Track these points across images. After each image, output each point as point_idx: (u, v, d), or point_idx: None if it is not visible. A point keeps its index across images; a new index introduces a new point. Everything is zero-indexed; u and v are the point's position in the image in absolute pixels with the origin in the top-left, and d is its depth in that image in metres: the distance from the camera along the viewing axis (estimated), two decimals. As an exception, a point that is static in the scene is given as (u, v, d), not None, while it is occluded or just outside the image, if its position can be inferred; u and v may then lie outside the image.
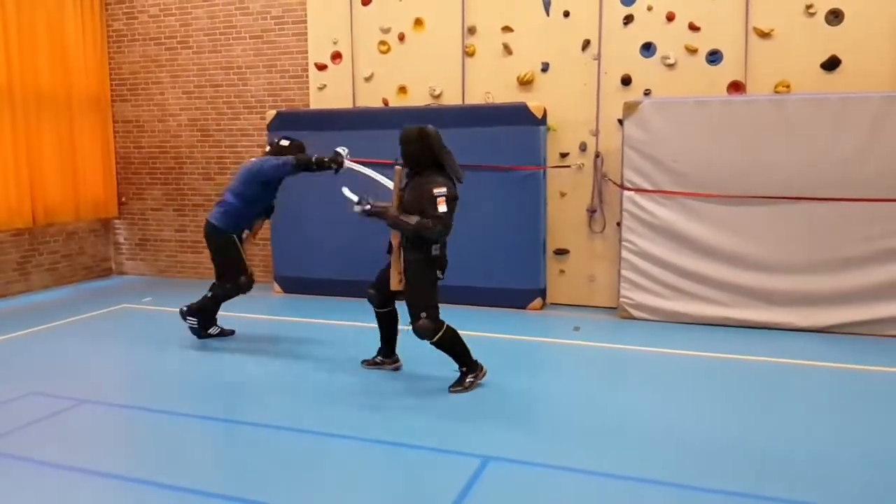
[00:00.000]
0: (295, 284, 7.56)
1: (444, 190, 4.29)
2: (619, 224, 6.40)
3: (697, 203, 6.04)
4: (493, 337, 5.82)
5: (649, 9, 6.44)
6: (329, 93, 7.57)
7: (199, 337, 5.74)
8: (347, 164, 5.17)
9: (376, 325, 4.92)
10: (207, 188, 8.38)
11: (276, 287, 7.66)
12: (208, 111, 8.26)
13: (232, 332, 5.91)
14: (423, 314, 4.42)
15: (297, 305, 7.07)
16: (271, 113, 7.53)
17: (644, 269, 6.22)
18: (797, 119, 5.75)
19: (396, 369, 4.96)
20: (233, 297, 5.68)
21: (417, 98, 7.25)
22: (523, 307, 6.75)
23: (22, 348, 5.66)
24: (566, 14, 6.69)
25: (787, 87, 6.12)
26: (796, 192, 5.79)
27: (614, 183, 6.53)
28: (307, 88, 7.72)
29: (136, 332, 6.24)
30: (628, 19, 6.51)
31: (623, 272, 6.30)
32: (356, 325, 6.18)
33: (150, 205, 8.73)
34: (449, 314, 6.46)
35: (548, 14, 6.76)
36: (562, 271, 6.96)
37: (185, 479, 3.39)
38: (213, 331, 5.85)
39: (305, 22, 7.65)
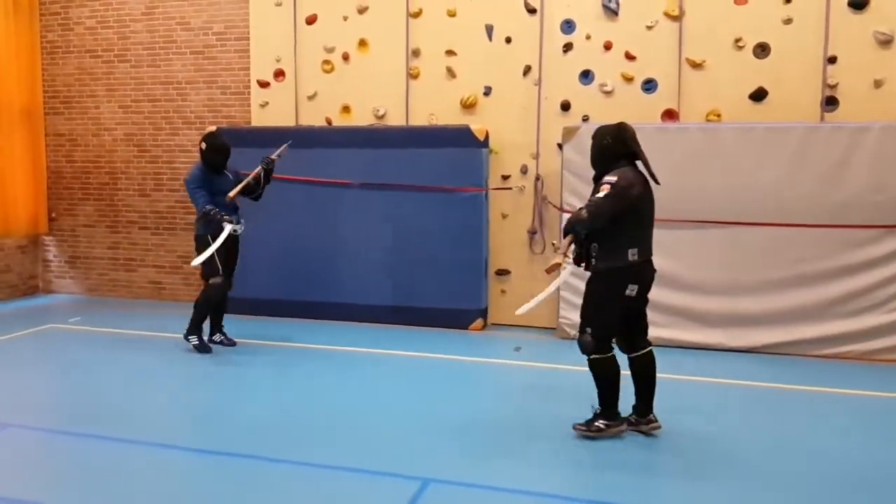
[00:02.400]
0: (231, 304, 7.37)
1: (614, 178, 3.80)
2: (554, 244, 6.49)
3: (634, 226, 6.20)
4: (434, 357, 5.82)
5: (588, 37, 6.64)
6: (271, 110, 7.51)
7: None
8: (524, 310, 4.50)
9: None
10: (143, 205, 8.15)
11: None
12: (145, 126, 8.07)
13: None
14: (589, 330, 3.95)
15: (231, 326, 6.91)
16: (211, 129, 7.39)
17: (582, 290, 6.30)
18: (727, 147, 6.00)
19: (650, 431, 4.11)
20: (215, 297, 5.83)
21: (361, 118, 7.26)
22: (465, 327, 6.78)
23: (-64, 371, 5.36)
24: (508, 40, 6.83)
25: (718, 115, 6.38)
26: (726, 217, 6.02)
27: (553, 205, 6.66)
28: (249, 105, 7.64)
29: (64, 353, 5.99)
30: (568, 47, 6.69)
31: (562, 293, 6.39)
32: (296, 346, 6.10)
33: (82, 221, 8.43)
34: (391, 335, 6.52)
35: (490, 39, 6.88)
36: (503, 291, 7.02)
37: (108, 507, 3.26)
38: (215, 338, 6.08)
39: (248, 39, 7.59)
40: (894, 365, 5.68)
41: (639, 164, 4.02)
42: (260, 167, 5.83)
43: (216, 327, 6.05)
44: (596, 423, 4.07)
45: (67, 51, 8.27)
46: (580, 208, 3.93)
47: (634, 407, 4.18)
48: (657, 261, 6.07)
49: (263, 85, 7.56)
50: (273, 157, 5.87)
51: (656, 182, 3.99)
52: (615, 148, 3.96)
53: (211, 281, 5.73)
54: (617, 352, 4.11)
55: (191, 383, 5.17)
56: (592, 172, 4.07)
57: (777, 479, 3.61)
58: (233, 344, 6.01)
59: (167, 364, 5.57)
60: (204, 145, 5.78)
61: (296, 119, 7.44)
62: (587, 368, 4.11)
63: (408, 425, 4.31)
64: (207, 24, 7.73)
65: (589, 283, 4.05)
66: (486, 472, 3.65)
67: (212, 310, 5.91)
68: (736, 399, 4.91)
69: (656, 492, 3.46)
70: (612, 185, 3.80)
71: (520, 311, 4.40)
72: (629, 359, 4.14)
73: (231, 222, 5.63)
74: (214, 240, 5.61)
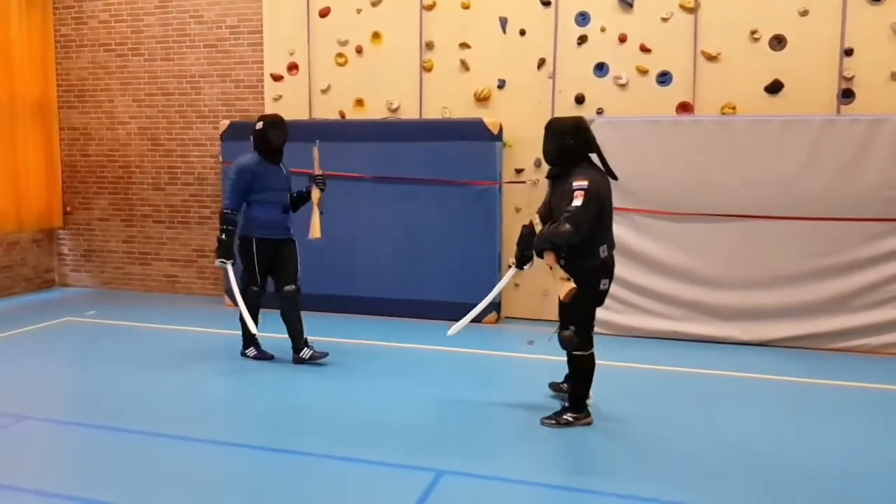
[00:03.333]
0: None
1: (584, 183, 3.84)
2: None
3: (647, 220, 6.19)
4: (448, 350, 5.83)
5: (602, 30, 6.61)
6: (285, 104, 7.51)
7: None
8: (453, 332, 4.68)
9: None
10: (157, 198, 8.20)
11: (227, 300, 7.51)
12: (159, 120, 8.10)
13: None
14: (573, 327, 4.06)
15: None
16: (224, 123, 7.44)
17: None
18: (742, 140, 5.97)
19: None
20: (249, 304, 5.30)
21: (374, 111, 7.27)
22: (479, 321, 6.73)
23: (-44, 363, 5.43)
24: (522, 33, 6.81)
25: (733, 108, 6.34)
26: (741, 210, 5.99)
27: (568, 199, 6.64)
28: (262, 99, 7.66)
29: (79, 346, 6.05)
30: (582, 39, 6.67)
31: (576, 287, 6.39)
32: (308, 338, 6.13)
33: (97, 215, 8.49)
34: (404, 328, 6.54)
35: (504, 32, 6.87)
36: (516, 285, 7.01)
37: (129, 497, 3.30)
38: (249, 352, 5.54)
39: (261, 32, 7.60)
40: (911, 359, 5.65)
41: (594, 157, 4.11)
42: (317, 189, 5.42)
43: (298, 344, 5.43)
44: (564, 416, 4.17)
45: (81, 45, 8.31)
46: (555, 223, 3.93)
47: (567, 376, 4.41)
48: (672, 254, 6.16)
49: (277, 78, 7.57)
50: (318, 172, 5.43)
51: (615, 178, 4.12)
52: (577, 147, 4.02)
53: (249, 288, 5.35)
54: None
55: (205, 376, 5.20)
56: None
57: (792, 474, 3.61)
58: (325, 354, 5.40)
59: (182, 357, 5.61)
60: (260, 124, 5.29)
61: (309, 112, 7.45)
62: (598, 361, 4.19)
63: (421, 418, 4.34)
64: (221, 18, 7.74)
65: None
66: (498, 465, 3.67)
67: (256, 315, 5.39)
68: (749, 392, 4.90)
69: (667, 484, 3.46)
70: (586, 191, 3.84)
71: (452, 332, 4.53)
72: None
73: (227, 258, 5.18)
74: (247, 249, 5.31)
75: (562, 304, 4.13)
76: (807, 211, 5.85)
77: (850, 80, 6.08)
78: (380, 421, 4.28)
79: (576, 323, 4.06)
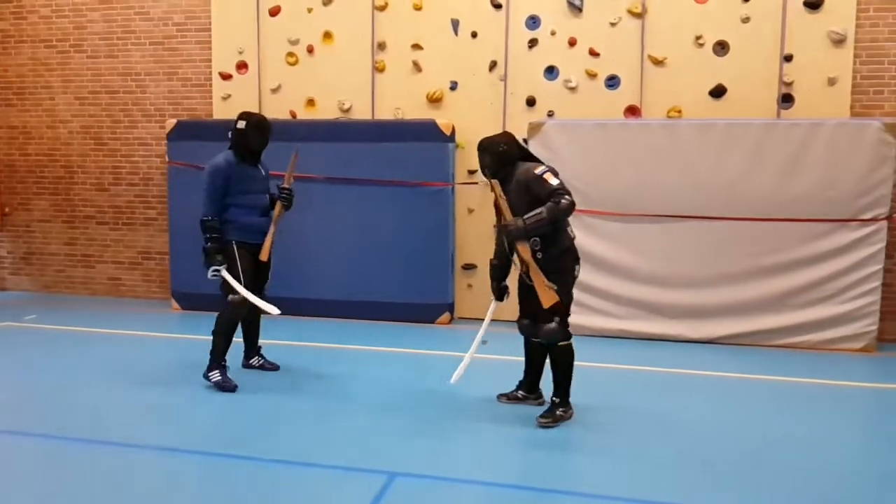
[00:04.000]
0: (194, 300, 7.25)
1: (544, 167, 4.04)
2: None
3: (596, 220, 6.29)
4: (401, 352, 5.82)
5: (552, 34, 6.70)
6: (234, 103, 7.39)
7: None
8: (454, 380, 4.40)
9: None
10: (101, 199, 7.97)
11: (174, 304, 7.35)
12: (103, 119, 7.88)
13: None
14: (557, 318, 4.06)
15: (193, 322, 6.81)
16: (171, 122, 7.27)
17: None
18: (687, 143, 6.12)
19: (540, 404, 4.41)
20: (230, 320, 4.88)
21: (326, 111, 7.21)
22: (431, 321, 6.79)
23: None
24: (474, 35, 6.85)
25: (679, 112, 6.51)
26: (686, 212, 6.14)
27: (520, 200, 6.70)
28: (210, 98, 7.52)
29: (18, 352, 5.82)
30: (533, 43, 6.75)
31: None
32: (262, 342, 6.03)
33: (37, 216, 8.20)
34: (358, 330, 6.50)
35: (456, 34, 6.90)
36: (469, 286, 7.05)
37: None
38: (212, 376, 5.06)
39: (209, 30, 7.46)
40: (847, 354, 5.88)
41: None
42: (279, 204, 4.99)
43: (252, 349, 5.27)
44: (558, 412, 4.21)
45: (20, 40, 8.02)
46: (552, 205, 3.92)
47: (522, 382, 4.51)
48: (621, 254, 6.27)
49: (226, 77, 7.44)
50: (286, 184, 5.03)
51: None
52: (511, 152, 4.17)
53: (230, 298, 4.78)
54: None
55: (151, 382, 5.05)
56: (558, 168, 4.20)
57: (739, 466, 3.71)
58: (276, 368, 5.21)
59: (127, 362, 5.46)
60: (242, 123, 4.82)
61: (259, 112, 7.33)
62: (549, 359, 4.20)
63: (374, 419, 4.31)
64: (167, 15, 7.57)
65: (551, 277, 4.08)
66: (452, 465, 3.66)
67: (234, 332, 4.92)
68: (696, 388, 5.02)
69: (619, 479, 3.52)
70: (551, 170, 4.03)
71: (454, 380, 4.38)
72: (531, 342, 4.38)
73: (219, 264, 4.74)
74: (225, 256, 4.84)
75: (539, 306, 4.11)
76: (750, 212, 6.03)
77: (789, 85, 6.31)
78: (332, 424, 4.24)
79: (561, 315, 4.09)
